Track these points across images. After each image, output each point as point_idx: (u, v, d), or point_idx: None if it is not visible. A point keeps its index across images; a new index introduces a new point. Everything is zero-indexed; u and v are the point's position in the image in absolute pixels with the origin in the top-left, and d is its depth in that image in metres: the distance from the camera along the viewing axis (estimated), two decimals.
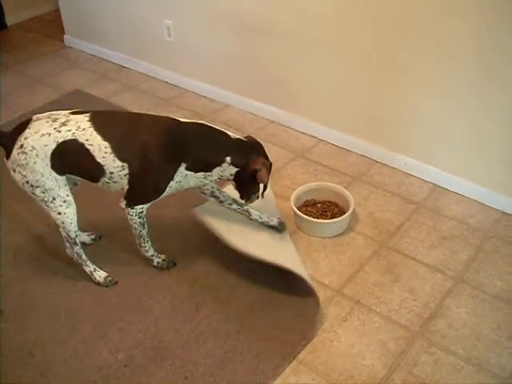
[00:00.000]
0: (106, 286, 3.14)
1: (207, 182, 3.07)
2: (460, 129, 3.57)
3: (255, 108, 4.61)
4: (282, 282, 3.06)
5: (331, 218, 3.47)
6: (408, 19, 3.48)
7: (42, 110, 4.53)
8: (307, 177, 3.89)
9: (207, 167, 2.95)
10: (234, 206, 3.25)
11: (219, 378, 2.61)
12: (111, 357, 2.73)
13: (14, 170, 2.84)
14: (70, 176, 2.95)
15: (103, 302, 3.02)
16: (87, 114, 2.87)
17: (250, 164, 2.94)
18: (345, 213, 3.45)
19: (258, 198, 3.17)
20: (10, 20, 6.62)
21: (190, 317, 2.92)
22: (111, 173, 2.86)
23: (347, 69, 3.93)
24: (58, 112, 2.89)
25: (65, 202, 2.92)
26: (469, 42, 3.29)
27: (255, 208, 3.27)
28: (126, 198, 2.97)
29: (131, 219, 3.02)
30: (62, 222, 2.97)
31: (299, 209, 3.49)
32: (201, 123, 3.00)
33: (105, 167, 2.84)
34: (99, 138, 2.80)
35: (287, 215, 3.52)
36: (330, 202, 3.60)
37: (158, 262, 3.22)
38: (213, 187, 3.20)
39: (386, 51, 3.67)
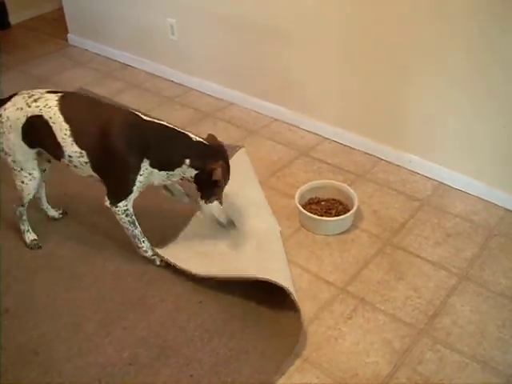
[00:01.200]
0: (31, 248, 3.37)
1: (169, 182, 3.13)
2: (465, 126, 3.57)
3: (259, 106, 4.61)
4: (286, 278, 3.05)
5: (335, 215, 3.46)
6: (412, 18, 3.48)
7: None
8: (311, 175, 3.88)
9: (169, 167, 3.01)
10: (186, 201, 3.43)
11: (224, 376, 2.61)
12: (116, 355, 2.72)
13: None
14: (41, 150, 3.12)
15: (107, 300, 3.02)
16: (58, 94, 3.04)
17: (208, 164, 2.97)
18: (349, 210, 3.45)
19: (220, 203, 3.17)
20: (14, 19, 6.63)
21: (195, 315, 2.91)
22: (70, 156, 3.01)
23: (351, 67, 3.93)
24: (38, 90, 3.09)
25: (30, 174, 3.16)
26: (476, 38, 3.29)
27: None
28: (107, 197, 3.07)
29: (119, 218, 3.08)
30: (22, 190, 3.20)
31: (303, 207, 3.49)
32: (163, 123, 3.04)
33: (64, 148, 2.99)
34: (61, 118, 2.95)
35: (292, 213, 3.53)
36: (334, 199, 3.60)
37: (162, 261, 3.22)
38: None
39: (389, 50, 3.67)
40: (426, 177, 3.87)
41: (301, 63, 4.18)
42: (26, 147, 3.07)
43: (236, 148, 3.90)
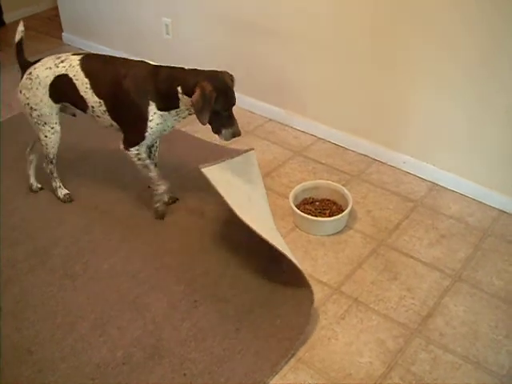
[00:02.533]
0: (64, 202, 3.70)
1: (177, 121, 3.32)
2: (459, 127, 3.58)
3: (253, 106, 4.61)
4: (281, 279, 3.06)
5: (329, 216, 3.47)
6: (407, 18, 3.48)
7: None
8: (306, 175, 3.89)
9: (170, 102, 3.18)
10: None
11: (218, 376, 2.61)
12: (110, 354, 2.72)
13: (21, 92, 3.47)
14: (65, 104, 3.46)
15: (101, 299, 3.01)
16: (81, 55, 3.38)
17: (195, 89, 3.03)
18: (343, 211, 3.46)
19: (234, 135, 3.22)
20: (8, 17, 6.61)
21: (189, 314, 2.91)
22: (92, 107, 3.33)
23: (346, 67, 3.94)
24: (65, 53, 3.43)
25: (52, 128, 3.48)
26: (469, 40, 3.30)
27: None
28: (122, 141, 3.32)
29: (132, 161, 3.35)
30: (46, 144, 3.53)
31: (298, 207, 3.49)
32: (168, 66, 3.21)
33: (87, 101, 3.32)
34: (82, 74, 3.28)
35: (286, 213, 3.54)
36: (328, 200, 3.61)
37: (158, 207, 3.52)
38: (156, 142, 3.59)
39: (384, 50, 3.67)
40: (420, 178, 3.88)
41: (296, 63, 4.19)
42: (51, 102, 3.39)
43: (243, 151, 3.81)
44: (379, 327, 2.87)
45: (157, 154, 3.64)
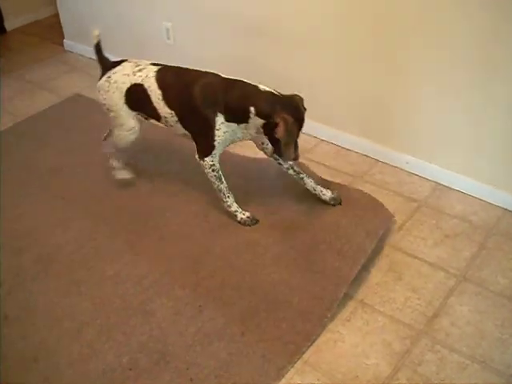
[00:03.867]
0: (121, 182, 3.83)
1: (251, 136, 3.35)
2: (461, 127, 3.57)
3: None
4: (286, 282, 3.05)
5: None
6: (408, 18, 3.48)
7: (43, 114, 4.58)
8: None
9: (240, 118, 3.21)
10: (291, 172, 3.52)
11: (224, 380, 2.61)
12: (116, 360, 2.72)
13: (99, 91, 3.58)
14: (140, 113, 3.59)
15: (106, 305, 3.01)
16: (158, 67, 3.47)
17: (272, 116, 3.07)
18: None
19: (294, 159, 3.31)
20: (10, 25, 6.63)
21: (194, 319, 2.91)
22: (165, 117, 3.45)
23: (348, 68, 3.93)
24: (144, 61, 3.54)
25: (130, 130, 3.59)
26: (471, 39, 3.29)
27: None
28: (197, 152, 3.39)
29: (206, 172, 3.40)
30: (120, 140, 3.66)
31: None
32: (239, 79, 3.28)
33: (159, 111, 3.44)
34: (156, 85, 3.39)
35: None
36: None
37: (242, 218, 3.46)
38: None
39: (386, 50, 3.67)
40: (424, 178, 3.87)
41: (298, 65, 4.18)
42: (126, 107, 3.52)
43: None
44: (385, 329, 2.86)
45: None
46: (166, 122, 3.48)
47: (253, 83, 3.22)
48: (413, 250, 3.31)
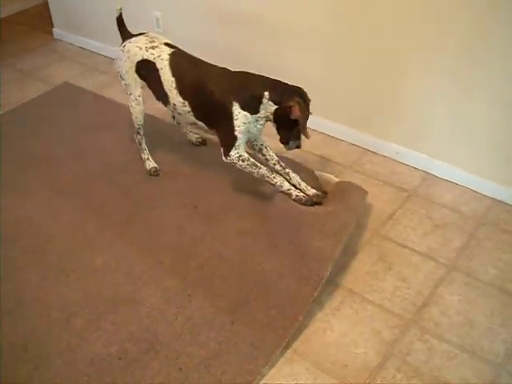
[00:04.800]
0: (150, 175, 3.87)
1: (260, 127, 3.39)
2: (450, 117, 3.58)
3: None
4: (275, 270, 3.06)
5: None
6: (396, 9, 3.48)
7: (33, 103, 4.56)
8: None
9: (254, 105, 3.25)
10: (278, 167, 3.52)
11: (213, 369, 2.61)
12: (104, 350, 2.72)
13: (116, 60, 3.82)
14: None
15: (95, 295, 3.01)
16: (172, 49, 3.57)
17: (285, 100, 3.17)
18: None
19: (297, 147, 3.40)
20: None
21: (183, 309, 2.91)
22: (174, 104, 3.52)
23: (336, 58, 3.93)
24: (159, 37, 3.70)
25: (135, 100, 3.74)
26: (455, 29, 3.30)
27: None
28: (222, 152, 3.39)
29: (239, 166, 3.39)
30: (132, 113, 3.79)
31: None
32: (244, 71, 3.38)
33: (170, 98, 3.52)
34: (170, 72, 3.47)
35: None
36: None
37: (297, 196, 3.38)
38: (262, 144, 3.54)
39: (373, 40, 3.67)
40: (414, 167, 3.88)
41: (286, 55, 4.18)
42: (135, 76, 3.66)
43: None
44: (374, 318, 2.87)
45: (271, 153, 3.57)
46: (175, 109, 3.55)
47: (262, 74, 3.32)
48: (403, 240, 3.32)
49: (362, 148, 4.08)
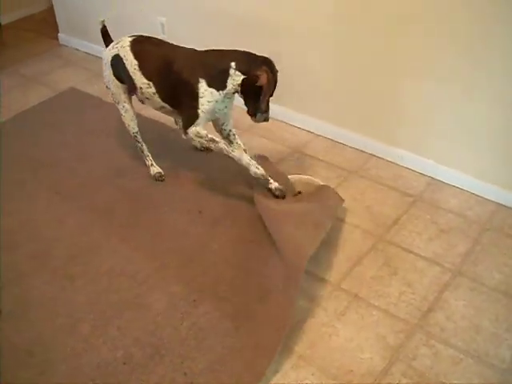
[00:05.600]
0: (156, 180, 3.85)
1: (228, 105, 3.45)
2: (455, 122, 3.57)
3: None
4: (279, 276, 3.05)
5: None
6: (396, 9, 3.48)
7: (38, 108, 4.56)
8: (303, 172, 3.87)
9: (222, 80, 3.26)
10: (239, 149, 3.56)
11: (218, 374, 2.61)
12: (110, 355, 2.72)
13: (104, 73, 3.75)
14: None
15: (101, 300, 3.01)
16: (133, 36, 3.61)
17: (253, 69, 3.20)
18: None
19: (265, 120, 3.40)
20: (4, 19, 6.62)
21: (188, 314, 2.91)
22: (141, 88, 3.52)
23: (342, 64, 3.93)
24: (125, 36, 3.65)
25: (123, 107, 3.73)
26: (468, 29, 3.30)
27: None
28: (182, 129, 3.42)
29: (197, 143, 3.63)
30: (124, 122, 3.79)
31: None
32: (212, 49, 3.40)
33: (135, 81, 3.51)
34: (132, 55, 3.50)
35: None
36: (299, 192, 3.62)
37: (256, 173, 3.40)
38: (230, 130, 3.61)
39: (379, 46, 3.67)
40: (419, 172, 3.87)
41: (292, 60, 4.17)
42: (116, 81, 3.66)
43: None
44: (380, 323, 2.87)
45: (239, 141, 3.62)
46: (142, 93, 3.55)
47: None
48: (408, 245, 3.32)
49: (367, 153, 4.08)
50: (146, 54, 3.50)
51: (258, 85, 3.19)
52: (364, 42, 3.74)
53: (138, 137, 3.83)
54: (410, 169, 3.91)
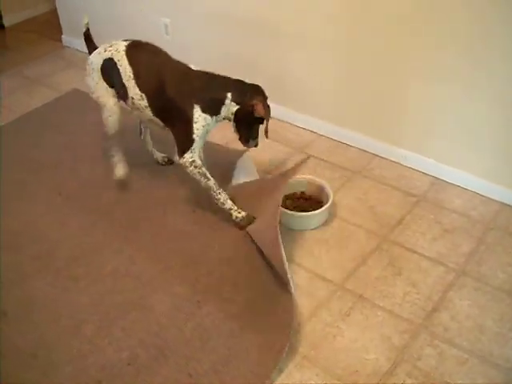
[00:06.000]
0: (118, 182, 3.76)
1: (216, 125, 3.37)
2: (458, 121, 3.57)
3: None
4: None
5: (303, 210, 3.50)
6: (397, 9, 3.48)
7: (41, 110, 4.57)
8: (307, 172, 3.86)
9: (216, 108, 3.25)
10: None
11: (223, 375, 2.61)
12: (115, 356, 2.72)
13: (86, 76, 3.63)
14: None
15: (105, 301, 3.01)
16: (128, 41, 3.52)
17: (248, 100, 3.22)
18: (319, 202, 3.55)
19: (256, 145, 3.47)
20: (8, 21, 6.62)
21: (193, 315, 2.91)
22: (132, 98, 3.41)
23: (345, 64, 3.93)
24: (120, 41, 3.54)
25: (111, 109, 3.59)
26: (470, 30, 3.30)
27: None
28: (177, 152, 3.33)
29: (189, 171, 3.32)
30: (107, 124, 3.64)
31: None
32: (206, 71, 3.32)
33: (128, 90, 3.41)
34: (126, 61, 3.40)
35: None
36: (302, 193, 3.69)
37: (237, 217, 3.38)
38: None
39: (382, 46, 3.67)
40: (422, 172, 3.87)
41: (295, 61, 4.18)
42: (105, 85, 3.53)
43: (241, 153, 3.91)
44: (384, 323, 2.86)
45: (202, 156, 3.58)
46: (133, 104, 3.44)
47: (222, 75, 3.32)
48: (412, 245, 3.31)
49: (371, 153, 4.08)
50: (141, 62, 3.42)
51: (256, 115, 3.25)
52: (365, 42, 3.74)
53: (114, 136, 3.71)
54: (413, 169, 3.90)
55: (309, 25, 3.96)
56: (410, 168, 3.92)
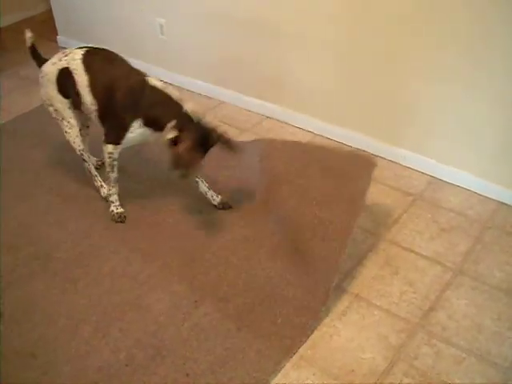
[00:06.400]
0: (107, 201, 3.62)
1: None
2: (456, 121, 3.58)
3: (251, 104, 4.60)
4: (281, 277, 3.06)
5: None
6: (397, 9, 3.48)
7: (38, 111, 4.56)
8: None
9: (156, 126, 3.23)
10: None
11: (220, 375, 2.61)
12: (112, 356, 2.72)
13: (40, 89, 3.57)
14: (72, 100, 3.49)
15: (103, 301, 3.01)
16: (83, 49, 3.46)
17: (183, 135, 3.11)
18: None
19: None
20: (3, 22, 6.60)
21: (190, 314, 2.91)
22: (85, 104, 3.38)
23: (346, 64, 3.93)
24: (75, 49, 3.48)
25: (68, 123, 3.55)
26: (469, 31, 3.31)
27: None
28: (104, 135, 3.39)
29: (104, 156, 3.41)
30: (68, 140, 3.61)
31: None
32: (164, 91, 3.25)
33: (82, 96, 3.36)
34: (83, 69, 3.35)
35: None
36: None
37: (112, 211, 3.55)
38: None
39: (383, 46, 3.67)
40: (420, 171, 3.87)
41: (292, 60, 4.18)
42: (60, 97, 3.47)
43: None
44: (381, 322, 2.87)
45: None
46: (86, 109, 3.43)
47: (175, 98, 3.23)
48: (409, 244, 3.32)
49: (369, 153, 4.07)
50: (97, 70, 3.37)
51: (174, 150, 3.11)
52: (365, 42, 3.74)
53: (85, 155, 3.69)
54: (411, 168, 3.91)
55: (309, 25, 3.96)
56: (407, 167, 3.92)
